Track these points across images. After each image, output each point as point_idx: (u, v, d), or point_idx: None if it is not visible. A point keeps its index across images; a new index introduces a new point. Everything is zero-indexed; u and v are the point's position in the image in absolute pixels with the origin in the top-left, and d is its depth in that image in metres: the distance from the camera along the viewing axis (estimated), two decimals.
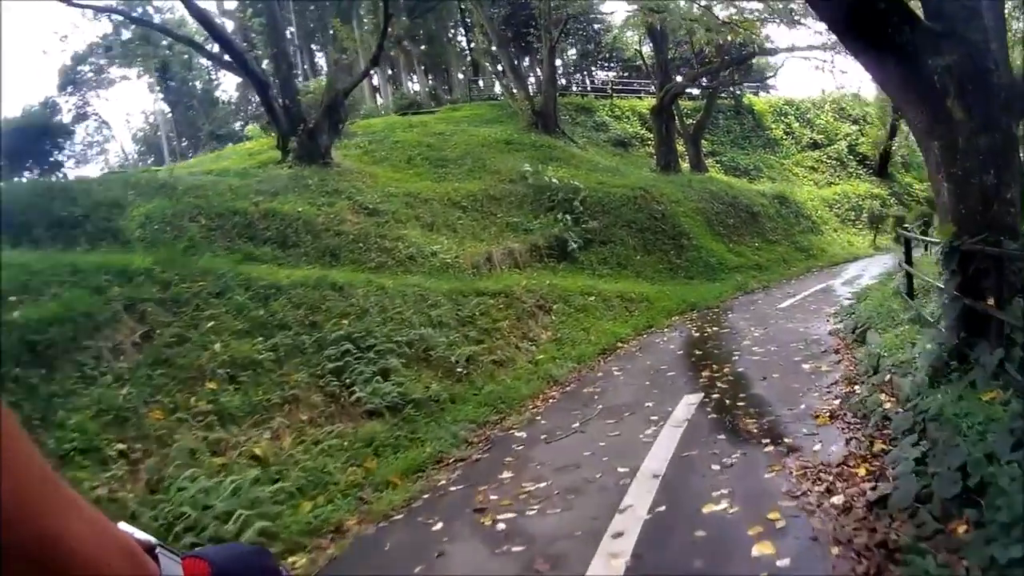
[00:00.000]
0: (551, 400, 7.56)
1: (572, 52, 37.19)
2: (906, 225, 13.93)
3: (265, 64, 19.54)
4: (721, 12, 20.85)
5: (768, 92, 34.09)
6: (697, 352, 8.99)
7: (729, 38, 21.58)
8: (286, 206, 10.90)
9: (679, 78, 23.73)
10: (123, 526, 0.53)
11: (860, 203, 24.49)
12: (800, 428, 5.29)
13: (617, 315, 11.76)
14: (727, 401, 6.37)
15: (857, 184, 26.27)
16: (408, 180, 15.18)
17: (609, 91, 30.94)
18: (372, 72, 38.70)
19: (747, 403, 6.21)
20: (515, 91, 24.47)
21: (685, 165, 23.79)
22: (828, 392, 6.19)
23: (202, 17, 15.38)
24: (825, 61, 21.21)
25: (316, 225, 10.78)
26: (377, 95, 33.29)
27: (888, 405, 5.24)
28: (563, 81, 32.79)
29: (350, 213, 11.91)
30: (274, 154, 15.87)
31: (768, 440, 5.08)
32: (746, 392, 6.61)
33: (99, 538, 0.48)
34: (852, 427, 5.16)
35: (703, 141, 25.49)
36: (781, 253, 19.59)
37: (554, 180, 16.20)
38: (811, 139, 29.99)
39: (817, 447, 4.85)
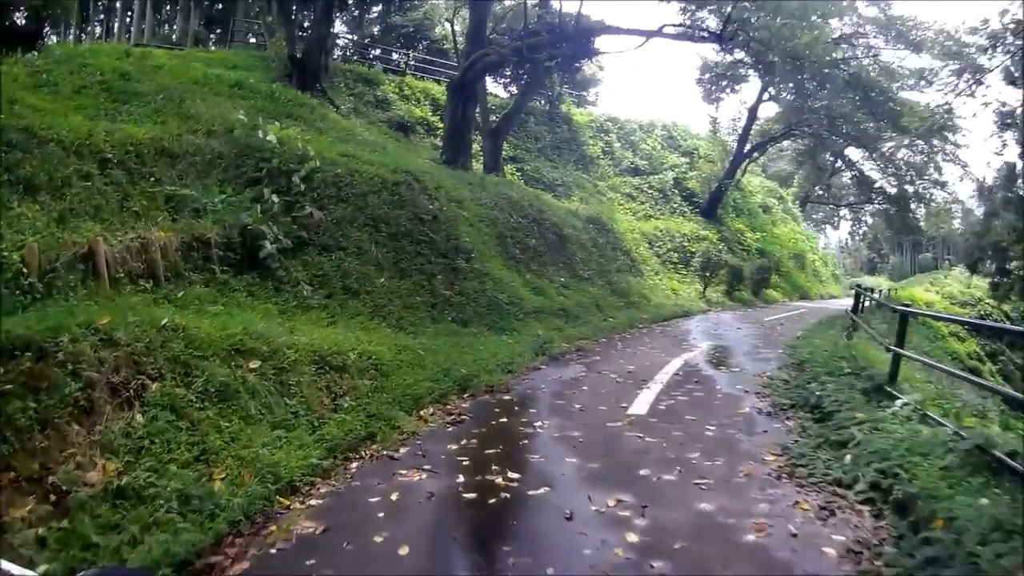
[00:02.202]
0: None
1: (376, 28, 31.14)
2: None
3: None
4: None
5: (587, 107, 29.70)
6: None
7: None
8: None
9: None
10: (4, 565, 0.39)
11: (685, 244, 20.51)
12: None
13: (303, 409, 5.18)
14: None
15: (681, 222, 22.34)
16: (52, 113, 7.85)
17: (403, 66, 24.28)
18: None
19: None
20: (276, 30, 17.85)
21: (478, 165, 18.43)
22: None
23: None
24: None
25: None
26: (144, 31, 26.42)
27: None
28: (352, 48, 26.09)
29: None
30: None
31: None
32: None
33: None
34: None
35: (505, 143, 20.15)
36: (595, 295, 14.56)
37: (271, 139, 9.50)
38: (632, 164, 25.79)
39: None
